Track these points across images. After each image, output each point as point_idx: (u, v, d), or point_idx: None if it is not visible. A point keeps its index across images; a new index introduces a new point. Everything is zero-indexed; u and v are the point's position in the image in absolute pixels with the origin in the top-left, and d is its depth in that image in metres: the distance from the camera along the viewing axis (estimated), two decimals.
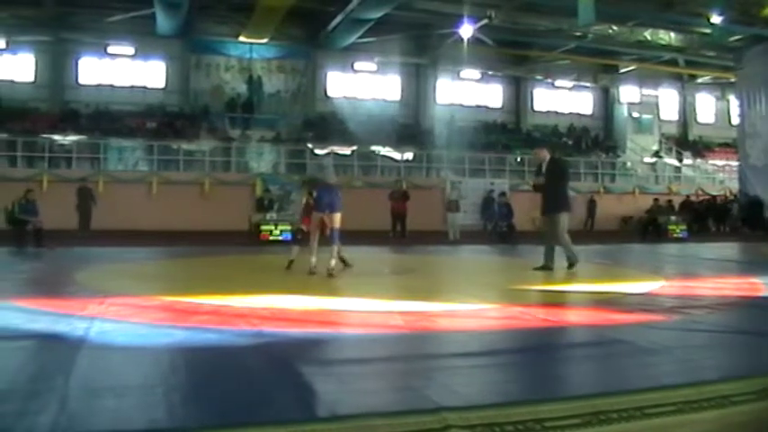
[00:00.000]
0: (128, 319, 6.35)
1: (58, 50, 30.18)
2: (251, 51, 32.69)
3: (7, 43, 29.31)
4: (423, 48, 34.80)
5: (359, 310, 7.44)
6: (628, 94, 40.05)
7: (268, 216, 20.42)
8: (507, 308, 7.38)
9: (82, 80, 30.92)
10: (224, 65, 32.90)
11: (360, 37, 31.13)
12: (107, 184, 24.84)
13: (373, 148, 30.70)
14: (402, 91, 36.10)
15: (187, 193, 25.74)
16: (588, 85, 39.57)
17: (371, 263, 13.60)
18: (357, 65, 34.82)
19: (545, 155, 11.90)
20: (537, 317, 6.83)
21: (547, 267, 11.26)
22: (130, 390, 4.00)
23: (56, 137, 26.97)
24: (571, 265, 11.25)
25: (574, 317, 7.17)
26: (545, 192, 11.65)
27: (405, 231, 22.57)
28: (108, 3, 29.27)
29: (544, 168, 11.78)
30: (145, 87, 31.86)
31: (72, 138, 27.11)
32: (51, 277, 10.68)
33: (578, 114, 39.98)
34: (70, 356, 4.71)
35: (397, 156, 31.21)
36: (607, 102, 40.41)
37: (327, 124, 32.67)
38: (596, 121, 40.36)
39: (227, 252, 16.23)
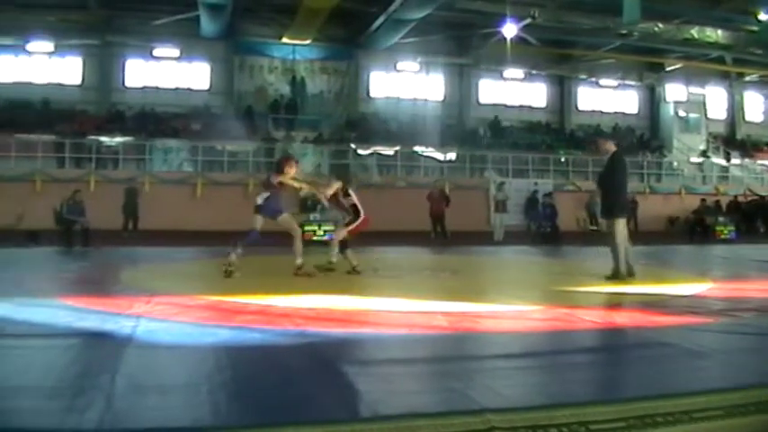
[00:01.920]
0: (173, 318, 6.44)
1: (104, 53, 30.60)
2: (294, 52, 32.74)
3: (56, 47, 29.84)
4: (465, 47, 34.55)
5: (402, 310, 7.43)
6: (674, 92, 39.19)
7: (312, 216, 20.38)
8: (551, 309, 7.33)
9: (128, 82, 31.29)
10: (267, 66, 32.97)
11: (402, 37, 30.97)
12: (152, 184, 25.08)
13: (416, 148, 30.59)
14: (445, 91, 35.80)
15: (231, 193, 25.83)
16: (633, 83, 38.86)
17: (414, 264, 13.57)
18: (400, 65, 34.65)
19: (610, 147, 10.48)
20: (581, 318, 6.76)
21: (629, 274, 10.06)
22: (175, 388, 4.06)
23: (103, 138, 27.30)
24: (611, 277, 10.04)
25: (618, 319, 7.07)
26: (602, 191, 10.48)
27: (445, 232, 22.16)
28: (153, 6, 29.62)
29: (606, 163, 10.59)
30: (189, 89, 32.08)
31: (118, 139, 27.46)
32: (98, 276, 10.87)
33: (623, 113, 39.19)
34: (117, 354, 4.80)
35: (440, 156, 31.02)
36: (653, 101, 39.62)
37: (370, 125, 32.60)
38: (642, 121, 39.62)
39: (270, 252, 16.29)
